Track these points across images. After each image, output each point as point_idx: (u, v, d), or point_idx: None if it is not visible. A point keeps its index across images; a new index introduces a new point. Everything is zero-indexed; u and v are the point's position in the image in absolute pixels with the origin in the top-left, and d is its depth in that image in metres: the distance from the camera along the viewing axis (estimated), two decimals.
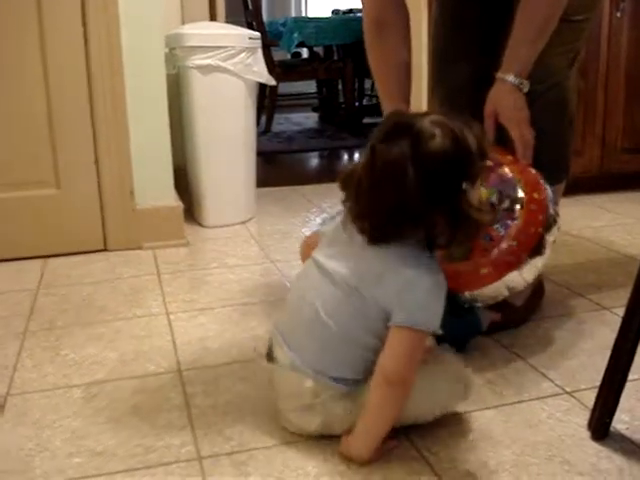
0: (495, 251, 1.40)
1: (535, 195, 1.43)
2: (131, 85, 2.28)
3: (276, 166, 4.17)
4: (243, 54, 2.53)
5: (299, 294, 1.28)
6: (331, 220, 1.34)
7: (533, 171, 1.48)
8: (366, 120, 5.24)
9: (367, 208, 1.15)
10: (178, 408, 1.37)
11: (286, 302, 1.32)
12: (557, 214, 1.46)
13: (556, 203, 1.50)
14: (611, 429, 1.26)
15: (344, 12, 5.73)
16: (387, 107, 1.66)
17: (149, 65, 2.32)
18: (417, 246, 1.17)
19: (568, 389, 1.41)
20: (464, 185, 1.12)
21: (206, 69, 2.50)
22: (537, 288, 1.82)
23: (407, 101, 1.70)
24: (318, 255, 1.26)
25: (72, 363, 1.56)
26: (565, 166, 1.74)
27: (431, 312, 1.15)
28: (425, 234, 1.16)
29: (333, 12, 5.98)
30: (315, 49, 5.24)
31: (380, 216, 1.14)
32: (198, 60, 2.49)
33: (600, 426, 1.24)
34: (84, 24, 2.21)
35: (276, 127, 5.21)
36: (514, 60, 1.53)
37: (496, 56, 1.61)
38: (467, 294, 1.42)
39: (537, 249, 1.41)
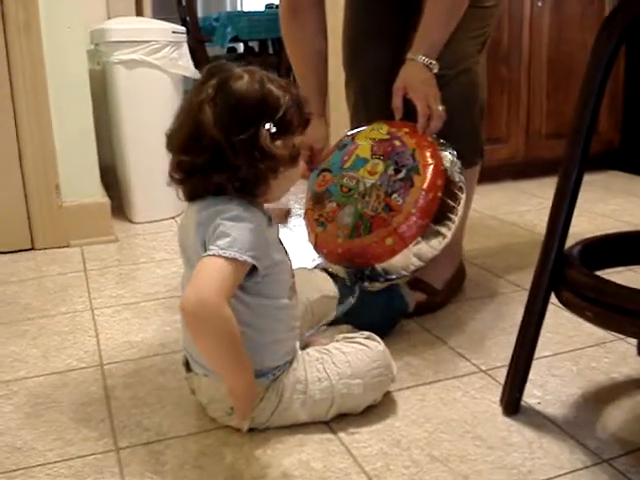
0: (396, 220, 1.43)
1: (431, 161, 1.46)
2: (54, 81, 2.26)
3: None
4: (167, 48, 2.52)
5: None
6: None
7: (430, 139, 1.51)
8: None
9: (175, 157, 1.16)
10: (98, 401, 1.37)
11: None
12: (463, 182, 1.49)
13: (465, 183, 1.52)
14: (524, 404, 1.30)
15: (277, 6, 5.72)
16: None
17: (72, 61, 2.29)
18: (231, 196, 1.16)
19: (484, 367, 1.45)
20: (267, 125, 1.12)
21: (130, 64, 2.48)
22: (458, 271, 1.86)
23: (324, 94, 1.74)
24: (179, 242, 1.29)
25: None
26: (478, 149, 1.77)
27: (228, 239, 1.09)
28: (230, 179, 1.13)
29: (267, 6, 5.98)
30: (250, 44, 5.23)
31: (180, 158, 1.14)
32: (122, 55, 2.47)
33: (511, 401, 1.28)
34: (3, 19, 2.18)
35: None
36: (424, 41, 1.56)
37: (407, 41, 1.64)
38: (379, 267, 1.45)
39: (441, 215, 1.44)
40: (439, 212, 1.44)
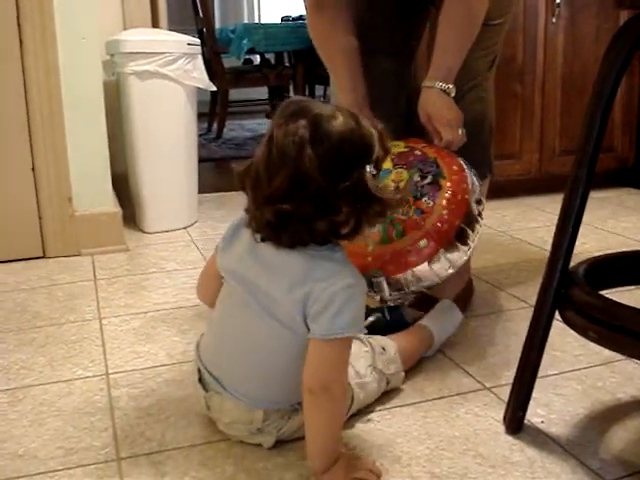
0: (428, 222, 1.43)
1: (454, 167, 1.49)
2: (68, 92, 2.28)
3: (226, 172, 4.17)
4: (182, 60, 2.54)
5: (222, 320, 1.25)
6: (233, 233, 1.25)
7: (447, 151, 1.54)
8: None
9: (267, 201, 1.06)
10: (102, 411, 1.37)
11: (210, 326, 1.29)
12: (483, 201, 1.51)
13: (480, 200, 1.53)
14: (527, 423, 1.29)
15: (294, 18, 5.75)
16: (343, 98, 1.65)
17: (86, 72, 2.31)
18: (323, 245, 1.12)
19: (488, 385, 1.44)
20: (368, 168, 1.06)
21: (144, 75, 2.50)
22: (467, 287, 1.85)
23: (360, 86, 1.66)
24: (230, 274, 1.21)
25: (0, 368, 1.56)
26: (487, 163, 1.77)
27: (349, 317, 1.08)
28: (329, 224, 1.07)
29: (283, 19, 6.01)
30: (266, 55, 5.25)
31: (282, 207, 1.05)
32: (136, 66, 2.48)
33: (514, 420, 1.27)
34: (19, 29, 2.20)
35: (229, 133, 5.22)
36: (439, 68, 1.56)
37: (411, 53, 1.66)
38: (410, 277, 1.43)
39: (468, 218, 1.45)
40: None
